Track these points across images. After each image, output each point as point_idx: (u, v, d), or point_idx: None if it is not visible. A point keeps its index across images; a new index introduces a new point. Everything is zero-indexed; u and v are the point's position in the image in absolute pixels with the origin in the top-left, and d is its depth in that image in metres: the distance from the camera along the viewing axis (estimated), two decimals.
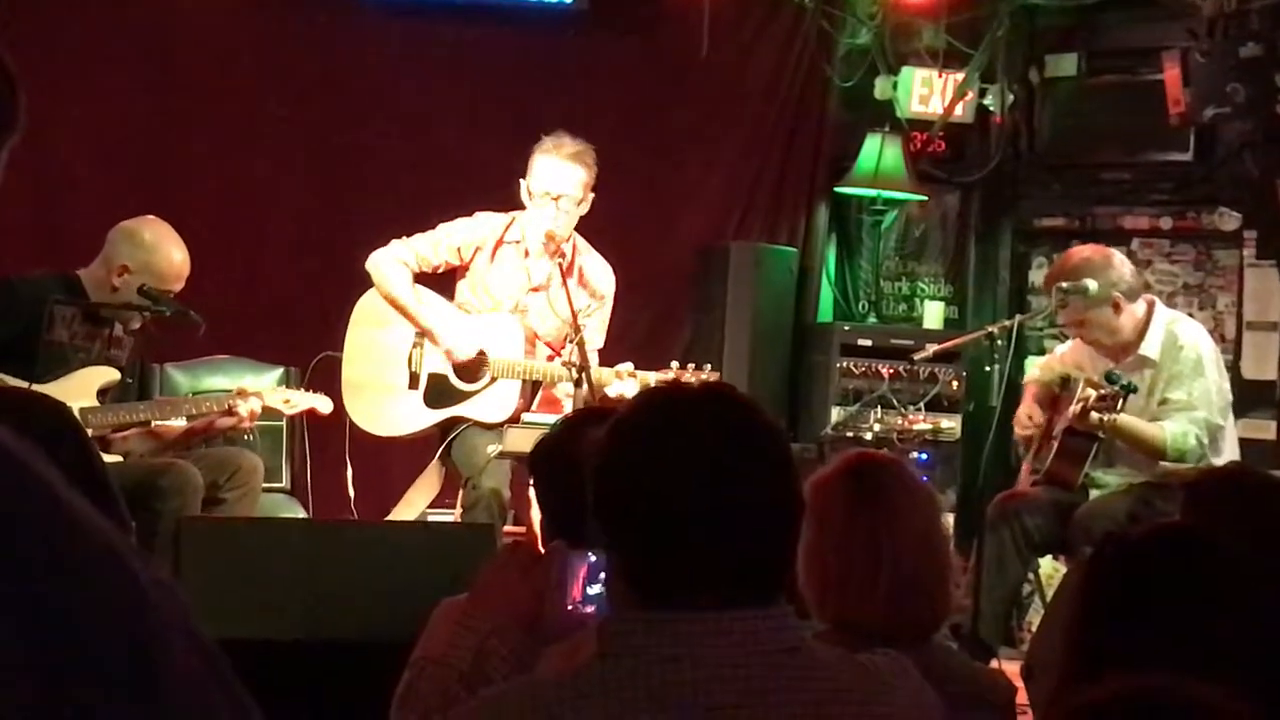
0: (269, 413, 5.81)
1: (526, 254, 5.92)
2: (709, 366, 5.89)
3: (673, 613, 1.92)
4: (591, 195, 5.85)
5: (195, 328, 5.68)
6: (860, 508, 2.72)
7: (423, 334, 5.88)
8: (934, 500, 2.90)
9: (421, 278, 5.95)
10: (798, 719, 1.93)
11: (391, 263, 5.90)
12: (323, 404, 5.80)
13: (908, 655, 2.14)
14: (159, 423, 5.69)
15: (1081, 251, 6.11)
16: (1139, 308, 5.91)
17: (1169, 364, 5.83)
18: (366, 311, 5.97)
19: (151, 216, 5.77)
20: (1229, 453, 5.85)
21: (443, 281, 6.03)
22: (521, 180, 5.85)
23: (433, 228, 5.96)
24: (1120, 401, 5.54)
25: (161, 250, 5.67)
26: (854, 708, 1.97)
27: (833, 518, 2.71)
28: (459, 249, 5.92)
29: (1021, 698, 3.89)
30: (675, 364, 5.89)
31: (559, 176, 5.79)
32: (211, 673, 0.89)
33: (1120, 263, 5.97)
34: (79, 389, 5.48)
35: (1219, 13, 6.96)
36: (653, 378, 5.72)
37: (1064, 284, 5.85)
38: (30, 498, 0.86)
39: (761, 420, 2.02)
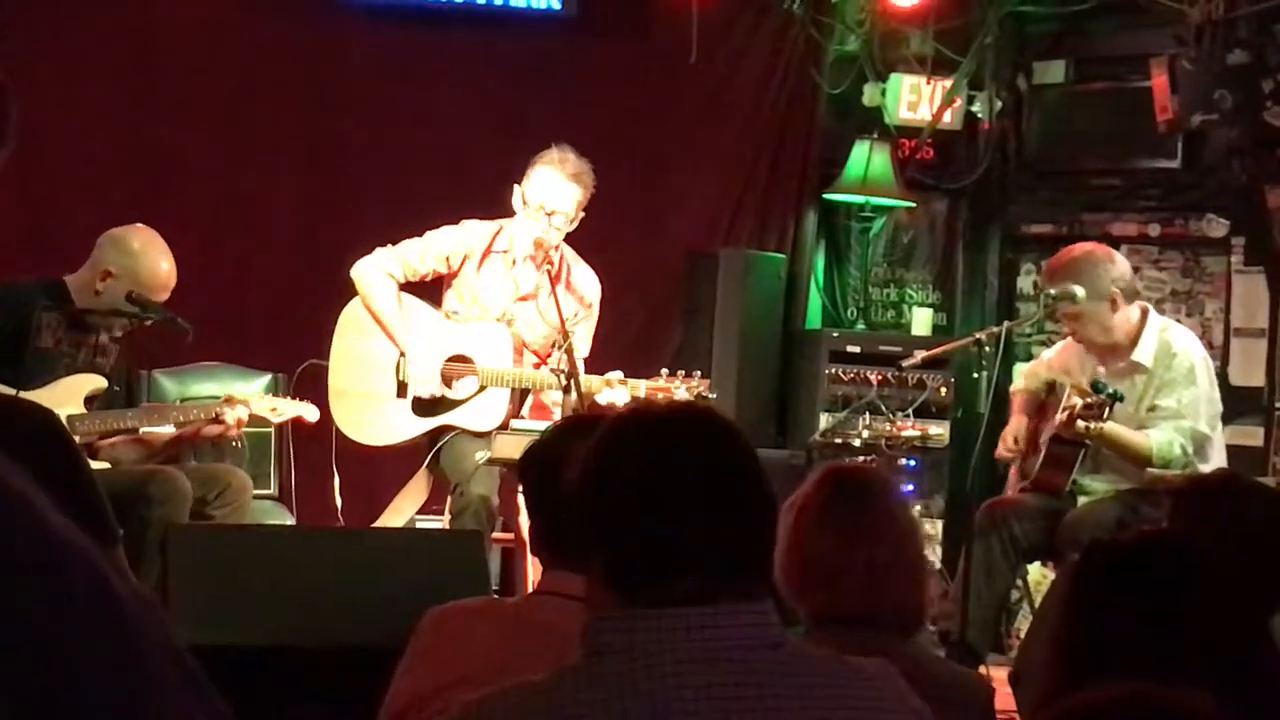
0: (256, 420, 5.80)
1: (514, 263, 5.91)
2: (699, 373, 5.89)
3: (655, 609, 1.95)
4: (582, 214, 5.84)
5: (183, 334, 5.68)
6: (837, 508, 2.86)
7: None
8: (907, 507, 3.06)
9: (407, 285, 5.94)
10: (783, 711, 1.95)
11: (376, 273, 5.87)
12: (309, 412, 5.79)
13: (886, 655, 2.17)
14: (147, 429, 5.69)
15: (1084, 247, 6.10)
16: (1134, 312, 5.91)
17: (1161, 371, 5.83)
18: (352, 320, 5.95)
19: (141, 225, 5.76)
20: (1216, 462, 5.85)
21: (429, 287, 6.02)
22: (516, 185, 5.84)
23: (420, 235, 5.95)
24: (1106, 410, 5.54)
25: (148, 258, 5.66)
26: (837, 700, 2.00)
27: (810, 517, 2.86)
28: (446, 257, 5.91)
29: (1008, 704, 3.90)
30: (665, 371, 5.89)
31: (557, 193, 5.78)
32: (191, 688, 0.89)
33: (1122, 261, 5.97)
34: (66, 396, 5.48)
35: (1206, 20, 6.97)
36: (643, 385, 5.73)
37: (1052, 290, 5.86)
38: (6, 513, 0.86)
39: (729, 427, 2.11)
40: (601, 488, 2.04)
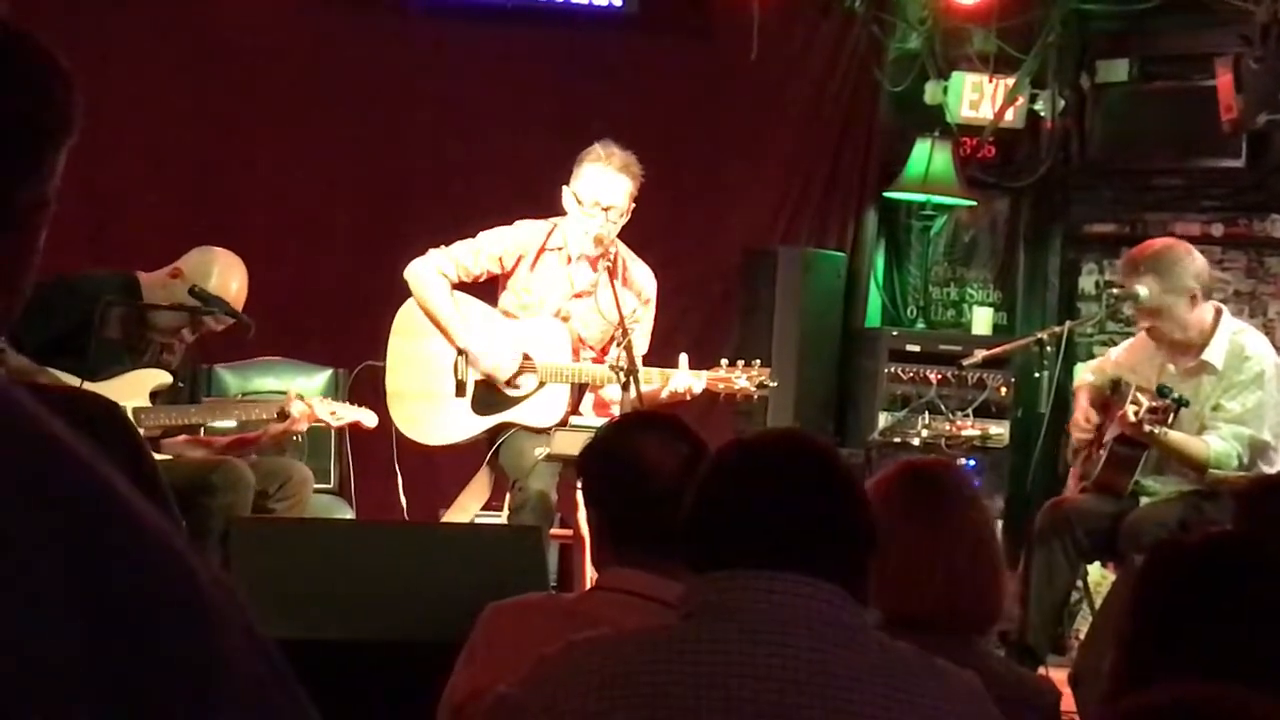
0: (313, 421, 5.86)
1: (568, 261, 5.90)
2: (759, 362, 5.88)
3: (752, 570, 2.10)
4: (633, 204, 5.83)
5: (245, 330, 5.73)
6: (916, 507, 2.84)
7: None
8: (985, 506, 3.00)
9: (462, 285, 5.94)
10: (870, 669, 2.06)
11: (430, 274, 5.85)
12: (367, 418, 5.84)
13: (951, 658, 2.18)
14: (210, 425, 5.76)
15: (1166, 241, 6.04)
16: (1207, 311, 5.86)
17: (1231, 373, 5.77)
18: (407, 322, 5.95)
19: (230, 251, 5.86)
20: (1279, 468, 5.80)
21: (484, 287, 6.02)
22: (565, 186, 5.84)
23: (474, 235, 5.95)
24: (1171, 416, 5.49)
25: (223, 274, 5.76)
26: (914, 683, 2.09)
27: (889, 516, 2.79)
28: (500, 257, 5.89)
29: (1069, 705, 3.87)
30: (725, 361, 5.88)
31: (610, 188, 5.76)
32: (272, 673, 0.90)
33: (1200, 258, 5.90)
34: (131, 389, 5.53)
35: (1272, 19, 6.91)
36: (704, 375, 5.72)
37: (1115, 290, 5.82)
38: (91, 495, 0.87)
39: (824, 444, 2.34)
40: (706, 515, 2.21)
